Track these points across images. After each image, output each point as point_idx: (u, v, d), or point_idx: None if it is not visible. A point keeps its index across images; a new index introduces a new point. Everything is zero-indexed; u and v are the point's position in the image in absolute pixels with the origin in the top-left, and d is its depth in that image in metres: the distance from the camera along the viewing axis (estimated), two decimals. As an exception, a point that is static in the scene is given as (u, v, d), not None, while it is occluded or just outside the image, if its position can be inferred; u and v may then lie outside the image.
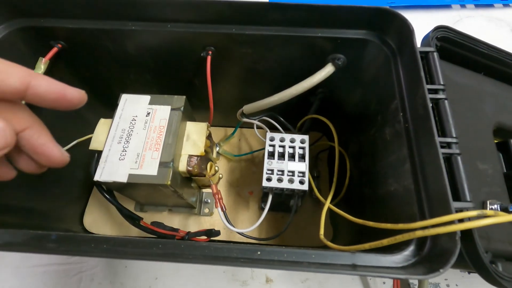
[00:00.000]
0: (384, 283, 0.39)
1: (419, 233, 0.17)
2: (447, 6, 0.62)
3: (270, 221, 0.42)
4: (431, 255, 0.20)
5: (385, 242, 0.18)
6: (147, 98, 0.32)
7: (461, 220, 0.18)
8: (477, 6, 0.62)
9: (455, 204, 0.19)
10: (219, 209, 0.33)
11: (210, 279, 0.39)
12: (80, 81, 0.37)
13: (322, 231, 0.26)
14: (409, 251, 0.21)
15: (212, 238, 0.35)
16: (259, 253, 0.20)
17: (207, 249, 0.20)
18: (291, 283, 0.40)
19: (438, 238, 0.20)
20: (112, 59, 0.34)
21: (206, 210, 0.42)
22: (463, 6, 0.62)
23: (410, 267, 0.20)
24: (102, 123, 0.31)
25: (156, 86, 0.39)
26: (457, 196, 0.20)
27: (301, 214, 0.42)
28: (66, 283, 0.40)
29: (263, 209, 0.40)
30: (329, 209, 0.31)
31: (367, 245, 0.19)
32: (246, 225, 0.42)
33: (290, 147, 0.34)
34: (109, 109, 0.41)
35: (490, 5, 0.62)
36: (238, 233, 0.33)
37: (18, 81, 0.18)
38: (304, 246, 0.40)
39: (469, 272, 0.24)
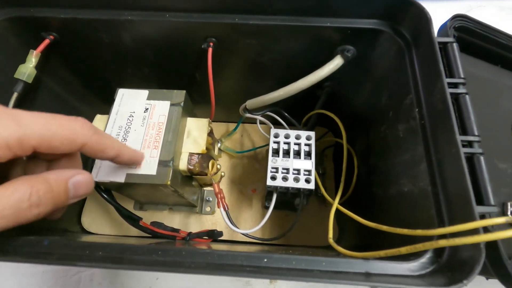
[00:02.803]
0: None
1: (443, 243, 0.15)
2: (456, -5, 0.60)
3: (274, 220, 0.41)
4: (451, 263, 0.18)
5: (403, 250, 0.17)
6: (145, 93, 0.30)
7: (486, 228, 0.17)
8: (489, -5, 0.59)
9: (478, 209, 0.18)
10: (222, 209, 0.31)
11: (212, 279, 0.38)
12: (74, 75, 0.36)
13: (331, 234, 0.25)
14: (426, 258, 0.19)
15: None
16: (265, 260, 0.19)
17: (210, 256, 0.19)
18: (295, 282, 0.39)
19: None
20: (107, 52, 0.32)
21: (208, 209, 0.41)
22: (473, -5, 0.60)
23: (428, 276, 0.18)
24: (98, 119, 0.30)
25: (155, 80, 0.37)
26: (480, 200, 0.19)
27: (305, 212, 0.41)
28: (65, 283, 0.39)
29: (267, 207, 0.39)
30: (336, 209, 0.30)
31: (382, 253, 0.18)
32: (249, 223, 0.41)
33: (295, 144, 0.32)
34: (105, 104, 0.40)
35: (502, -6, 0.60)
36: (242, 234, 0.32)
37: (114, 152, 0.22)
38: (309, 246, 0.39)
39: (487, 278, 0.23)
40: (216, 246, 0.30)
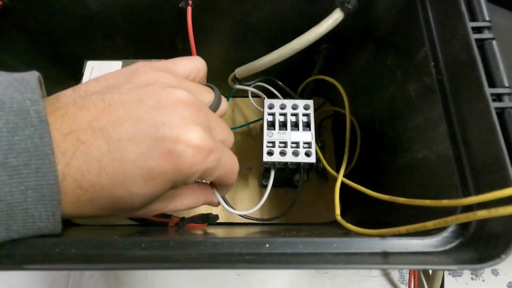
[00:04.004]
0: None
1: (482, 214, 0.13)
2: None
3: (272, 199, 0.38)
4: (481, 236, 0.16)
5: (430, 225, 0.14)
6: (118, 64, 0.26)
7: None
8: None
9: (514, 172, 0.15)
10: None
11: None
12: (34, 48, 0.31)
13: (338, 211, 0.22)
14: (449, 231, 0.17)
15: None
16: (267, 245, 0.16)
17: (203, 245, 0.16)
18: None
19: (489, 214, 0.16)
20: (70, 19, 0.28)
21: (202, 191, 0.38)
22: None
23: (455, 252, 0.16)
24: (67, 98, 0.26)
25: (131, 51, 0.33)
26: (514, 162, 0.16)
27: (304, 188, 0.39)
28: (55, 279, 0.37)
29: (264, 186, 0.37)
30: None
31: (403, 229, 0.15)
32: (247, 204, 0.38)
33: (292, 114, 0.29)
34: (74, 81, 0.36)
35: None
36: (240, 215, 0.29)
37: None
38: (311, 224, 0.37)
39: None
40: (213, 230, 0.28)
